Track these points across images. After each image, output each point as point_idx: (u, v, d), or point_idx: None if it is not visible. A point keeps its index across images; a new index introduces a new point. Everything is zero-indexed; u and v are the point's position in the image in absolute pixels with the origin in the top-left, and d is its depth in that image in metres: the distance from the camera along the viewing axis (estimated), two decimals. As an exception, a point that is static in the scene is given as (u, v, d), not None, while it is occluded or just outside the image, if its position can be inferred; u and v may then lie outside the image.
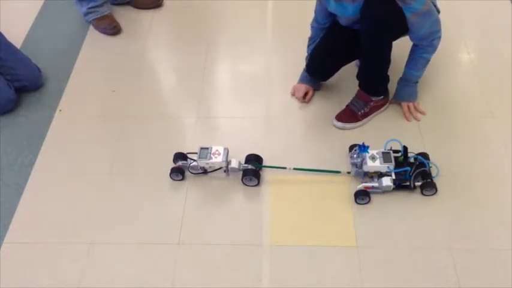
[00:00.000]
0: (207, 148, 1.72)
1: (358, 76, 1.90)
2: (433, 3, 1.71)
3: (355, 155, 1.70)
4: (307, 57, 1.99)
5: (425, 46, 1.76)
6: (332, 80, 2.05)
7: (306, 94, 2.01)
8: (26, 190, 1.77)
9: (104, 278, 1.54)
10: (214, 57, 2.26)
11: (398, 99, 1.96)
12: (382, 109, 1.96)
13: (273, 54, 2.25)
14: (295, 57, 2.12)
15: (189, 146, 1.85)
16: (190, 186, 1.76)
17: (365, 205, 1.68)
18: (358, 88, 1.92)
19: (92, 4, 2.34)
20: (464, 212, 1.66)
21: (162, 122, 1.99)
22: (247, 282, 1.52)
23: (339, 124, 1.91)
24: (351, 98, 1.94)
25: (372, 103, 1.90)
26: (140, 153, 1.87)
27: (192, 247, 1.60)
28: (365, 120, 1.92)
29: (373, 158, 1.66)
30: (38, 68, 2.14)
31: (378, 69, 1.83)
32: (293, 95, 2.05)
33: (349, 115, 1.91)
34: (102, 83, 2.15)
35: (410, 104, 1.94)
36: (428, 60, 1.82)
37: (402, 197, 1.69)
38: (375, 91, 1.90)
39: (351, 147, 1.79)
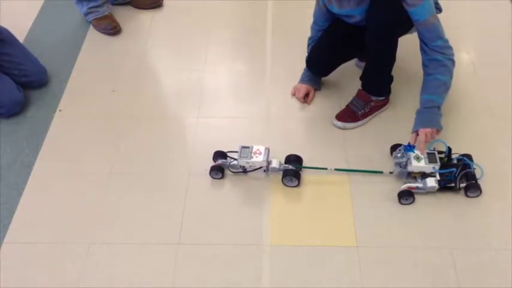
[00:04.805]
0: (248, 147, 1.71)
1: (363, 77, 1.89)
2: (435, 2, 1.70)
3: (399, 155, 1.68)
4: (307, 56, 1.99)
5: (437, 56, 1.66)
6: (332, 79, 2.05)
7: (306, 95, 2.01)
8: (26, 190, 1.77)
9: (104, 278, 1.54)
10: (214, 57, 2.26)
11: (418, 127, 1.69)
12: (382, 109, 1.95)
13: (273, 54, 2.25)
14: (295, 57, 2.12)
15: (189, 146, 1.85)
16: (190, 186, 1.76)
17: (364, 205, 1.68)
18: (358, 88, 1.92)
19: (92, 4, 2.34)
20: (464, 212, 1.66)
21: (162, 122, 1.99)
22: (247, 282, 1.51)
23: (339, 124, 1.91)
24: (351, 98, 1.94)
25: (372, 103, 1.90)
26: (140, 153, 1.87)
27: (192, 247, 1.60)
28: (365, 120, 1.92)
29: (418, 158, 1.64)
30: (43, 65, 2.14)
31: (385, 68, 1.81)
32: (293, 95, 2.05)
33: (349, 115, 1.91)
34: (102, 83, 2.15)
35: (428, 131, 1.65)
36: (444, 83, 1.68)
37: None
38: (379, 91, 1.89)
39: (395, 147, 1.76)
